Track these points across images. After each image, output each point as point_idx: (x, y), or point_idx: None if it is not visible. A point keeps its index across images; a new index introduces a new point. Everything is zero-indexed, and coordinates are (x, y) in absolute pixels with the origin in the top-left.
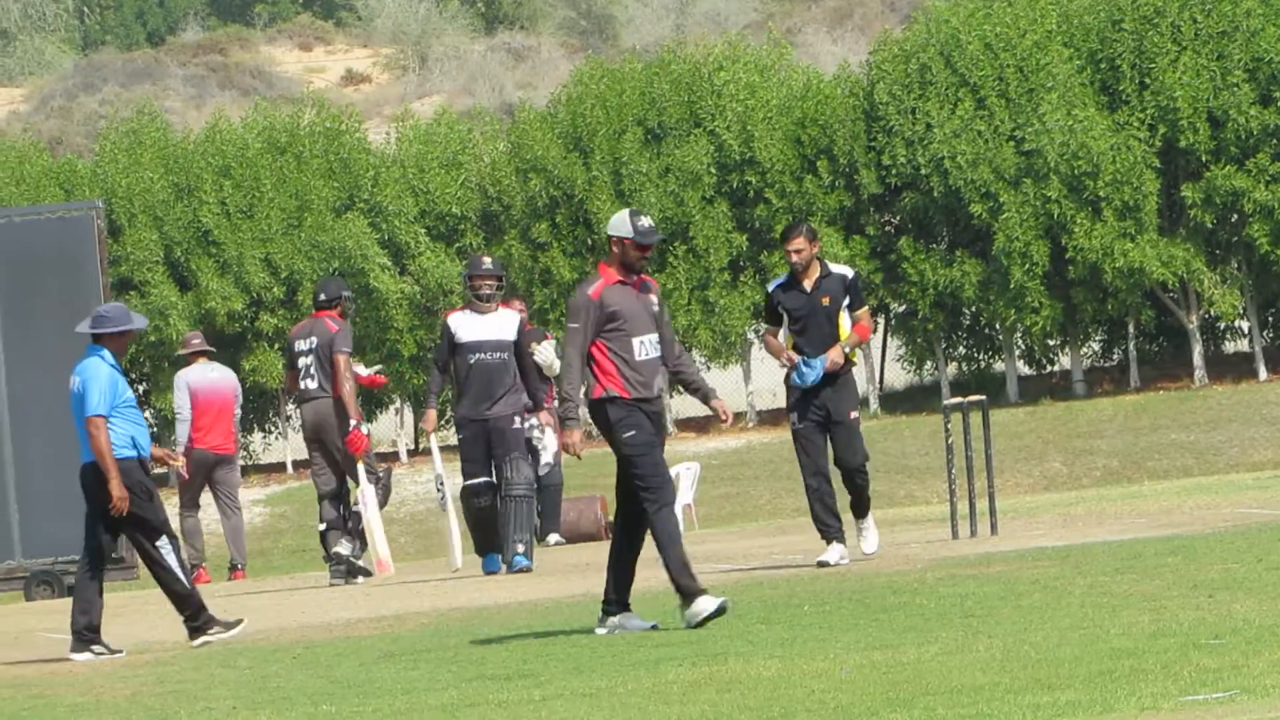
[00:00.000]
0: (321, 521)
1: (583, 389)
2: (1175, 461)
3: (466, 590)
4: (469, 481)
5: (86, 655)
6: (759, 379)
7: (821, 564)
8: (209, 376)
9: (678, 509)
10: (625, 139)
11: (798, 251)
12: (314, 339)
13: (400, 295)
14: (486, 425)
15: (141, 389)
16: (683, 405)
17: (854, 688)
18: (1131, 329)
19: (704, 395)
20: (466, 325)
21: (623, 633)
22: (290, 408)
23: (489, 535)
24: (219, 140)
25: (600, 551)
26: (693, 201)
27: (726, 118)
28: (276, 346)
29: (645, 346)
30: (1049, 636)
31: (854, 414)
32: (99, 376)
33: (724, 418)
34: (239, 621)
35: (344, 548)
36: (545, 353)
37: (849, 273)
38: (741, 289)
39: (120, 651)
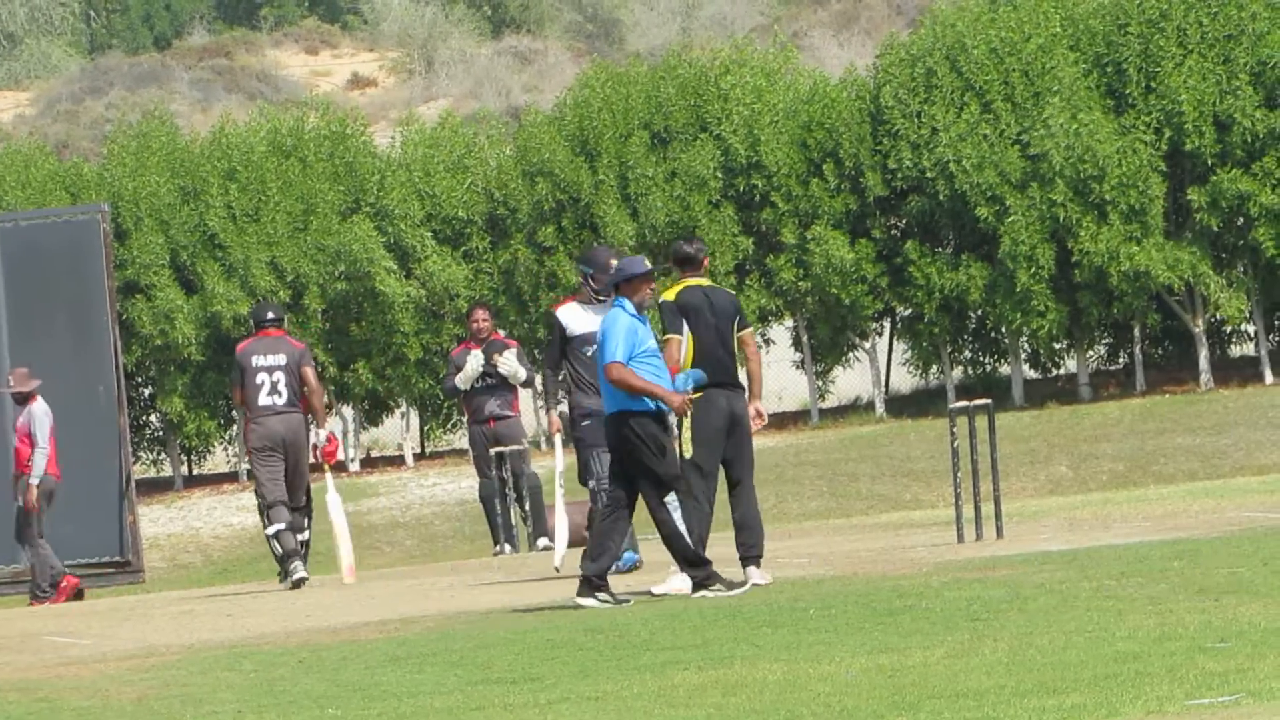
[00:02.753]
0: (280, 523)
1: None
2: (1181, 465)
3: (472, 594)
4: (603, 474)
5: (591, 602)
6: (765, 383)
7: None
8: (45, 407)
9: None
10: (631, 143)
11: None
12: (282, 355)
13: (406, 299)
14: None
15: (146, 393)
16: None
17: (859, 691)
18: (1137, 332)
19: None
20: (577, 318)
21: None
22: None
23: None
24: (225, 144)
25: None
26: (699, 205)
27: (733, 121)
28: None
29: None
30: (1054, 640)
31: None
32: (617, 326)
33: None
34: (744, 583)
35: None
36: (509, 363)
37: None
38: (748, 293)
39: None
